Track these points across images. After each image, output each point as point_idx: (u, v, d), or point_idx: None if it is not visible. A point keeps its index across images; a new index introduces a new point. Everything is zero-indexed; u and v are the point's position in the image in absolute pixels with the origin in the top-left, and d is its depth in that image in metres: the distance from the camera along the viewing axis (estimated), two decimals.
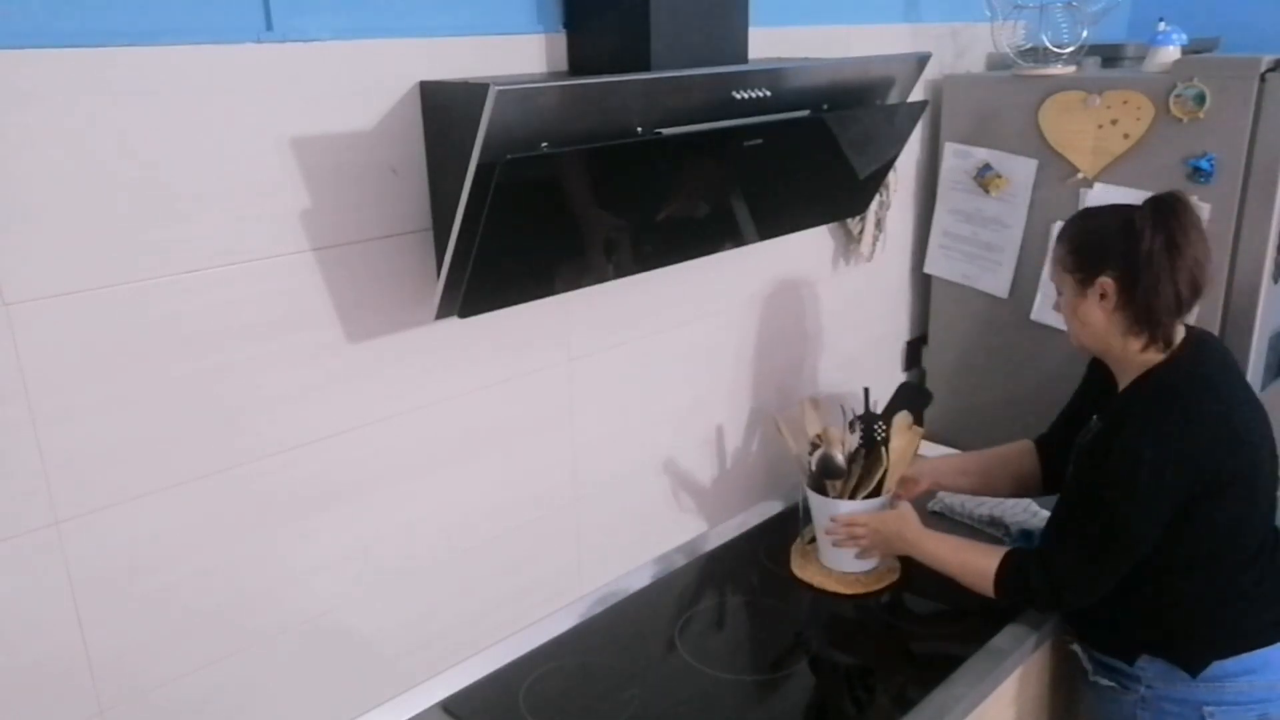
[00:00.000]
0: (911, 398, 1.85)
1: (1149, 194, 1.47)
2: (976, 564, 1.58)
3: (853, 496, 1.75)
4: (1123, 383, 1.53)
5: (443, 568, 1.52)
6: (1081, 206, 2.00)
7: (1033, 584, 1.53)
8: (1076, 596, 1.54)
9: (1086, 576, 1.51)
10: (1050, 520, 1.59)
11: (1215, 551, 1.49)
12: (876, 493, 1.75)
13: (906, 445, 1.79)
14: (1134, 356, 1.49)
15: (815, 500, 1.79)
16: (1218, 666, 1.49)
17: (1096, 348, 1.54)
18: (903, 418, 1.81)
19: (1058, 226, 2.02)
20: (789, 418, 1.94)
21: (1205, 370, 1.49)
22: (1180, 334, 1.50)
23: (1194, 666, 1.50)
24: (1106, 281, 1.45)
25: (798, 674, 1.58)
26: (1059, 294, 1.55)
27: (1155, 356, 1.48)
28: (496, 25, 1.37)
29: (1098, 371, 1.65)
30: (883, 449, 1.75)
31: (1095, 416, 1.56)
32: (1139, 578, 1.50)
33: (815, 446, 1.81)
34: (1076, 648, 1.66)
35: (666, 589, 1.81)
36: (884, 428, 1.78)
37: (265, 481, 1.28)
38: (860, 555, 1.75)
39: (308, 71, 1.20)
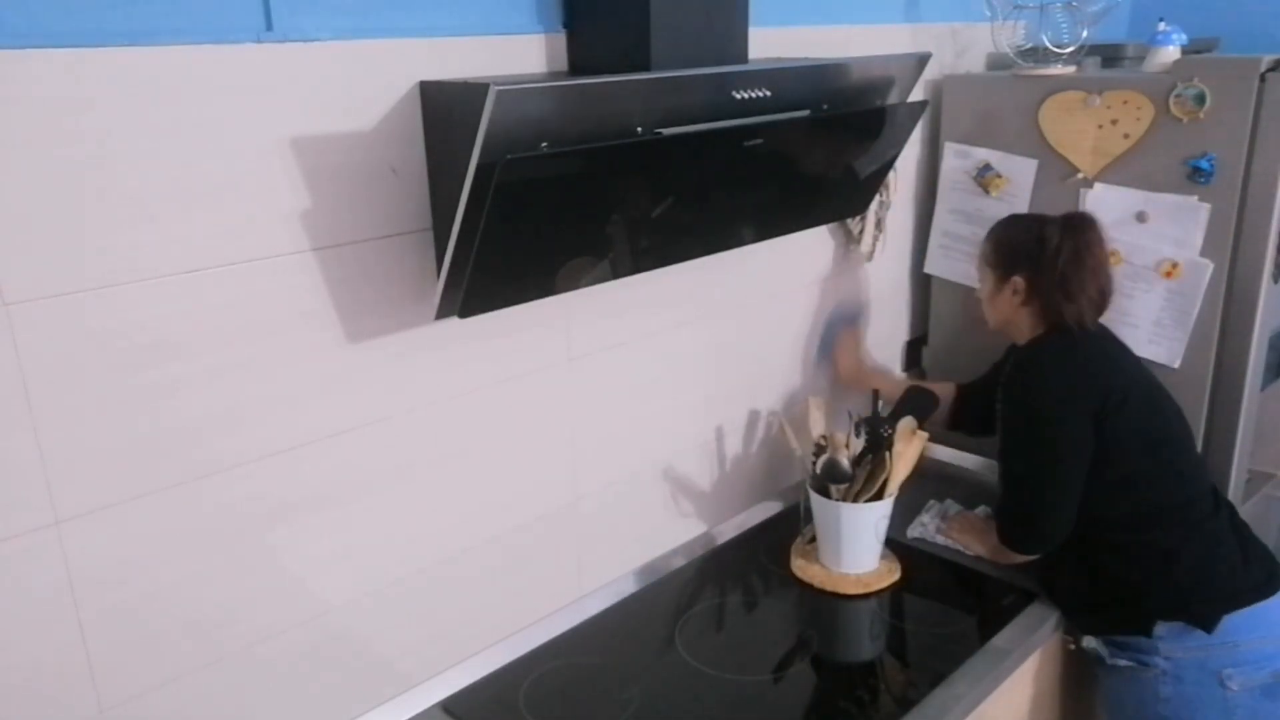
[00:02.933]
0: (917, 402, 1.85)
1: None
2: (990, 544, 1.82)
3: (856, 499, 1.75)
4: (1020, 341, 1.80)
5: (443, 568, 1.52)
6: (1082, 207, 2.00)
7: (1017, 535, 1.74)
8: (1055, 527, 1.68)
9: (1055, 507, 1.67)
10: (1001, 474, 1.76)
11: (1167, 487, 1.67)
12: (879, 496, 1.75)
13: (911, 450, 1.79)
14: (1028, 333, 1.77)
15: (818, 502, 1.79)
16: (1229, 623, 1.59)
17: (1003, 329, 1.81)
18: (908, 423, 1.81)
19: None
20: (793, 418, 1.95)
21: (1080, 327, 1.73)
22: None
23: (1208, 621, 1.59)
24: (1018, 280, 1.73)
25: (798, 674, 1.58)
26: (980, 282, 1.82)
27: (1040, 326, 1.75)
28: (496, 25, 1.37)
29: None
30: (887, 453, 1.75)
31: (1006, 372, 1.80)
32: (1126, 546, 1.66)
33: (820, 448, 1.81)
34: (1090, 641, 1.71)
35: (666, 589, 1.81)
36: (889, 431, 1.78)
37: (265, 482, 1.28)
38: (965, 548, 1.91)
39: (308, 71, 1.20)
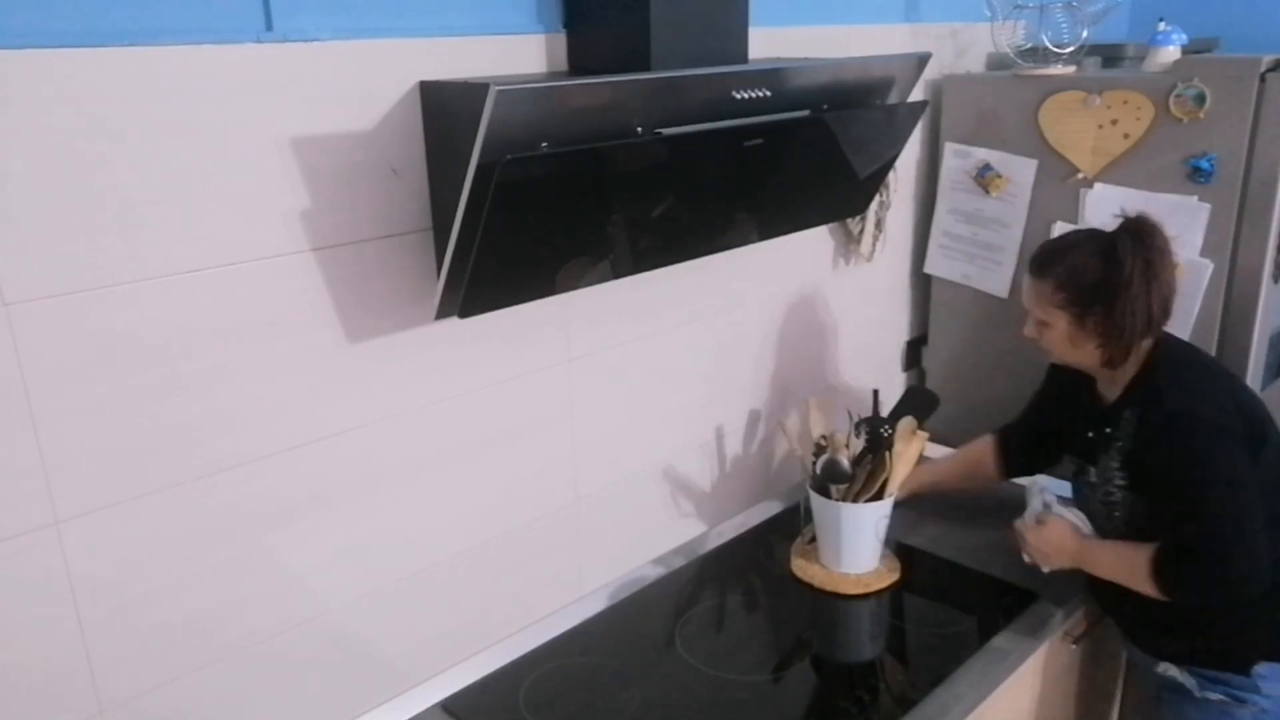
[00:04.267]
0: (918, 402, 1.85)
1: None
2: (1131, 564, 1.54)
3: (856, 499, 1.75)
4: (1119, 385, 1.61)
5: (443, 568, 1.52)
6: (1081, 207, 2.00)
7: (1187, 567, 1.48)
8: (1237, 550, 1.46)
9: (1232, 524, 1.46)
10: (1165, 521, 1.53)
11: None
12: (879, 496, 1.75)
13: (911, 450, 1.79)
14: (1123, 367, 1.59)
15: (818, 502, 1.79)
16: None
17: (1084, 364, 1.62)
18: (908, 423, 1.81)
19: (1058, 226, 2.04)
20: (793, 417, 1.95)
21: (1189, 345, 1.65)
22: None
23: None
24: (1099, 311, 1.53)
25: (798, 674, 1.58)
26: (1041, 324, 1.61)
27: (1134, 363, 1.58)
28: (496, 25, 1.37)
29: (1061, 376, 1.73)
30: (887, 453, 1.75)
31: (1107, 429, 1.60)
32: (1215, 554, 1.48)
33: (820, 448, 1.81)
34: (1170, 669, 1.61)
35: (666, 589, 1.81)
36: (889, 431, 1.78)
37: (266, 482, 1.28)
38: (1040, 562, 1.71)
39: (308, 71, 1.20)
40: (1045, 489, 1.75)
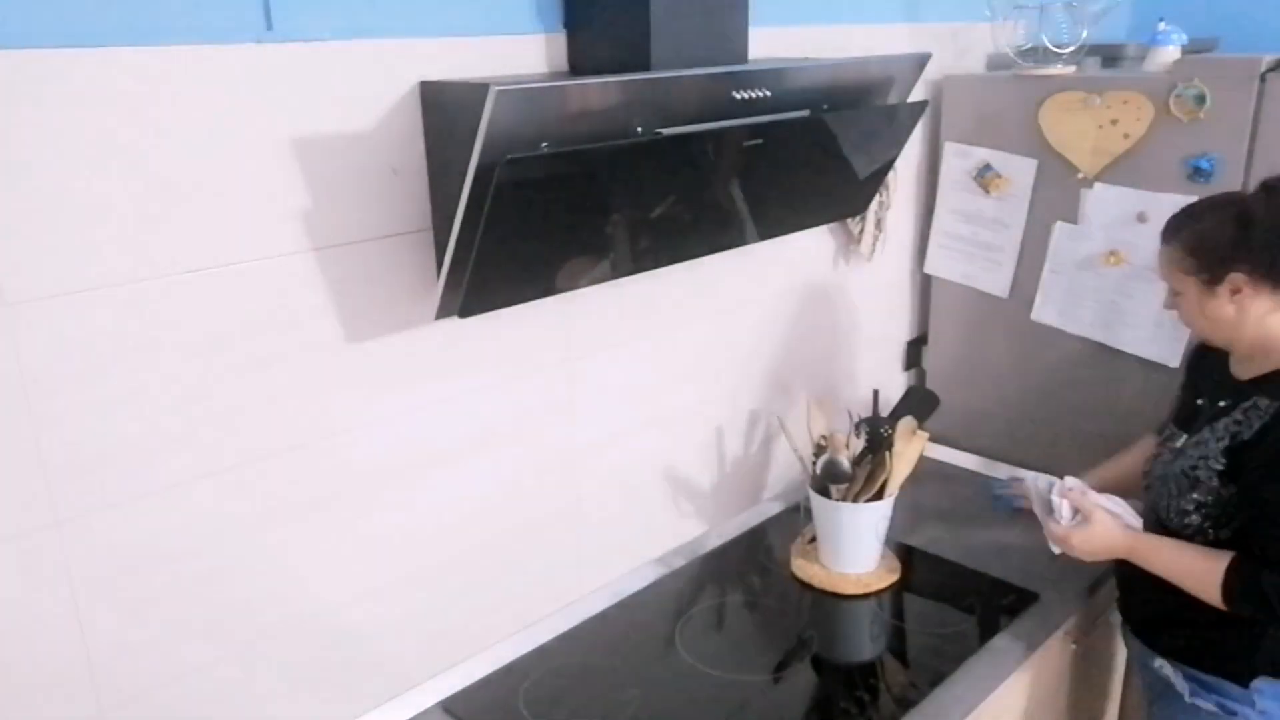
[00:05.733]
0: (918, 402, 1.85)
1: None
2: (1200, 569, 1.44)
3: (856, 499, 1.75)
4: (1259, 367, 1.48)
5: (443, 568, 1.52)
6: (1082, 207, 2.00)
7: (1266, 586, 1.37)
8: None
9: None
10: (1259, 520, 1.43)
11: None
12: (879, 496, 1.75)
13: (911, 450, 1.79)
14: (1268, 339, 1.46)
15: (818, 502, 1.79)
16: None
17: (1227, 338, 1.51)
18: (907, 423, 1.81)
19: (1058, 226, 2.04)
20: (793, 417, 1.94)
21: None
22: None
23: None
24: (1237, 277, 1.42)
25: (798, 674, 1.58)
26: (1175, 294, 1.51)
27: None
28: (496, 25, 1.37)
29: (1204, 363, 1.61)
30: (887, 453, 1.75)
31: (1224, 402, 1.49)
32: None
33: (820, 448, 1.81)
34: (1165, 666, 1.56)
35: (666, 589, 1.81)
36: (889, 431, 1.78)
37: (264, 482, 1.28)
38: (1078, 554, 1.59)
39: (308, 71, 1.20)
40: (1052, 482, 1.62)
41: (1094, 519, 1.55)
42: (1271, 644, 1.44)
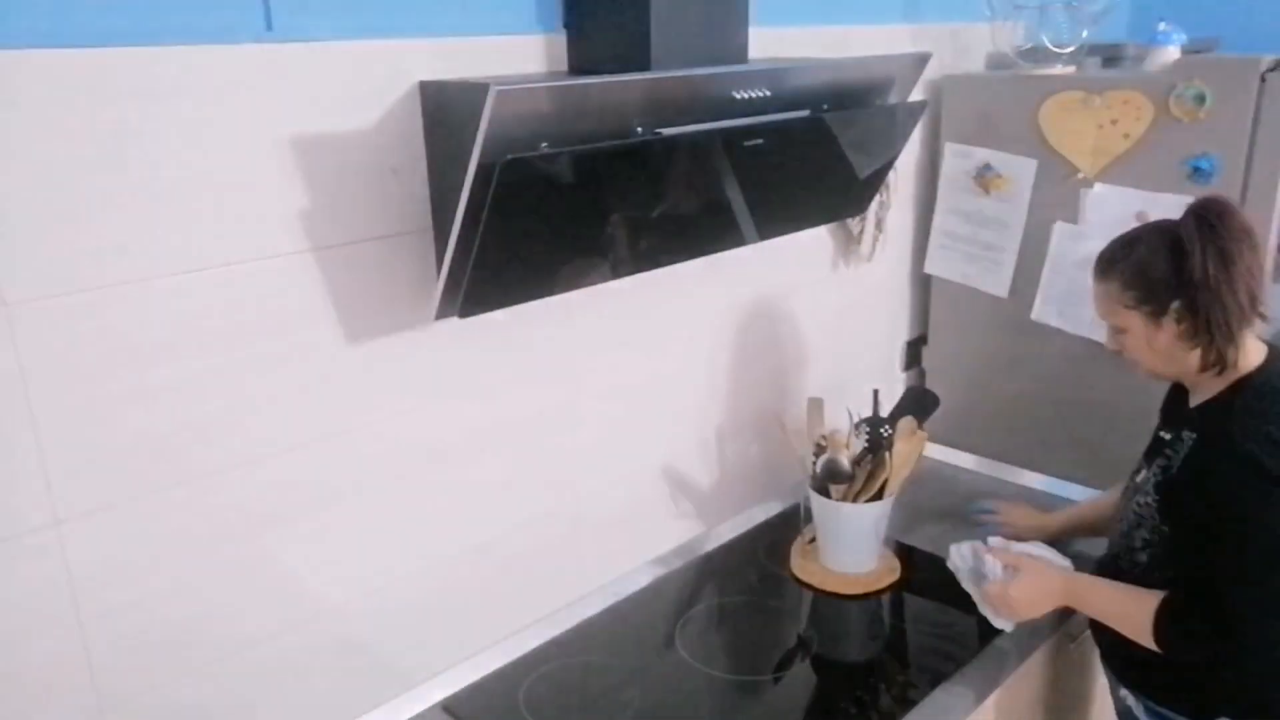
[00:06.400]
0: (918, 402, 1.85)
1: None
2: (1131, 611, 1.43)
3: (856, 499, 1.75)
4: (1202, 397, 1.44)
5: (443, 568, 1.52)
6: (1082, 207, 2.00)
7: (1195, 628, 1.35)
8: (1254, 631, 1.34)
9: (1256, 605, 1.33)
10: (1178, 559, 1.41)
11: None
12: (878, 496, 1.75)
13: (910, 450, 1.79)
14: (1211, 373, 1.41)
15: (818, 502, 1.79)
16: None
17: (1174, 373, 1.47)
18: (907, 422, 1.81)
19: (1058, 226, 2.04)
20: (793, 417, 1.94)
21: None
22: (1258, 347, 1.43)
23: None
24: (1178, 306, 1.37)
25: (798, 674, 1.58)
26: (1119, 332, 1.46)
27: (1232, 373, 1.40)
28: (496, 25, 1.37)
29: (1174, 390, 1.56)
30: (887, 454, 1.75)
31: (1167, 434, 1.46)
32: (1230, 626, 1.35)
33: (821, 448, 1.81)
34: (1128, 697, 1.54)
35: (666, 589, 1.81)
36: (889, 431, 1.77)
37: (265, 482, 1.28)
38: (1017, 620, 1.56)
39: (308, 71, 1.20)
40: (975, 545, 1.58)
41: (1024, 567, 1.53)
42: (1231, 682, 1.40)
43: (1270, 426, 1.33)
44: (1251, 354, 1.41)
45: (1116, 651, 1.52)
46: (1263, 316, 1.40)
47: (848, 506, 1.75)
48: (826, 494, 1.77)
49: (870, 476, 1.76)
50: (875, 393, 1.81)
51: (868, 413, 1.81)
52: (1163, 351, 1.42)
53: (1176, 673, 1.44)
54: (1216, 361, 1.38)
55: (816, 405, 1.89)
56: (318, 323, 1.28)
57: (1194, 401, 1.46)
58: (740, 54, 1.48)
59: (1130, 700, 1.54)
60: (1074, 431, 2.13)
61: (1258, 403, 1.37)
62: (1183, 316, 1.38)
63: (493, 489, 1.56)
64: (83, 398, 1.10)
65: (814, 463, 1.80)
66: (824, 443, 1.81)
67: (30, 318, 1.04)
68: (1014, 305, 2.17)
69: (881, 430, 1.78)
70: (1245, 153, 1.82)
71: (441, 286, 1.24)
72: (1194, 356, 1.40)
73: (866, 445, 1.79)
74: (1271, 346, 1.45)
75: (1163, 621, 1.38)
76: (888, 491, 1.76)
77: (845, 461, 1.77)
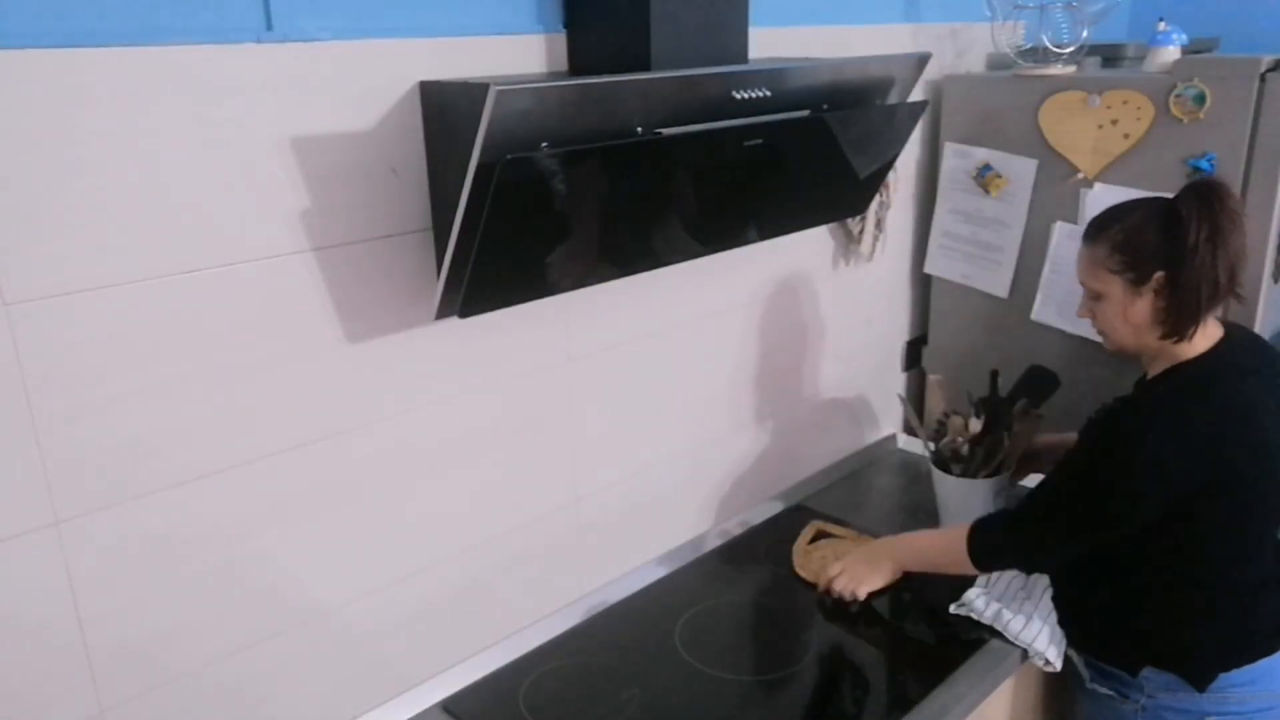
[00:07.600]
0: (1038, 382, 1.87)
1: (1149, 193, 1.47)
2: (950, 544, 1.60)
3: (974, 477, 1.83)
4: (1152, 371, 1.51)
5: (443, 567, 1.52)
6: (1082, 207, 2.00)
7: (1000, 542, 1.56)
8: (1042, 558, 1.59)
9: (1053, 540, 1.52)
10: (1040, 483, 1.56)
11: (1228, 556, 1.45)
12: (996, 473, 1.83)
13: (1026, 430, 1.84)
14: (1168, 348, 1.47)
15: (939, 477, 1.87)
16: (1223, 678, 1.46)
17: (1137, 345, 1.50)
18: (1022, 405, 1.86)
19: (1058, 226, 2.04)
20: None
21: (1238, 365, 1.46)
22: (1214, 327, 1.48)
23: (1202, 681, 1.47)
24: (1160, 276, 1.41)
25: (798, 674, 1.58)
26: (1095, 299, 1.50)
27: (1185, 349, 1.46)
28: (496, 25, 1.37)
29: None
30: (1005, 434, 1.81)
31: (1116, 398, 1.51)
32: (1148, 587, 1.49)
33: (941, 424, 1.90)
34: (1072, 653, 1.62)
35: (667, 589, 1.81)
36: (1009, 413, 1.84)
37: (264, 482, 1.28)
38: (853, 590, 1.69)
39: (308, 71, 1.20)
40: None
41: (850, 545, 1.73)
42: (1157, 638, 1.50)
43: (1172, 412, 1.41)
44: (1199, 340, 1.46)
45: (1062, 611, 1.61)
46: (1238, 297, 1.46)
47: (966, 482, 1.83)
48: (947, 469, 1.86)
49: (988, 455, 1.83)
50: (993, 373, 1.87)
51: (986, 394, 1.88)
52: (1134, 323, 1.47)
53: (1106, 628, 1.55)
54: (1174, 333, 1.44)
55: (937, 384, 1.95)
56: (317, 323, 1.28)
57: (1150, 374, 1.53)
58: (740, 54, 1.48)
59: (1074, 655, 1.62)
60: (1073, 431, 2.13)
61: (1179, 389, 1.45)
62: (1162, 289, 1.42)
63: (493, 489, 1.56)
64: (83, 397, 1.10)
65: (933, 444, 1.89)
66: (944, 418, 1.90)
67: (30, 318, 1.04)
68: (1014, 305, 2.17)
69: (999, 411, 1.84)
70: (1245, 153, 1.82)
71: (441, 286, 1.24)
72: (1159, 331, 1.45)
73: (984, 426, 1.85)
74: (1227, 330, 1.50)
75: (974, 541, 1.56)
76: (1005, 468, 1.83)
77: (964, 445, 1.85)
